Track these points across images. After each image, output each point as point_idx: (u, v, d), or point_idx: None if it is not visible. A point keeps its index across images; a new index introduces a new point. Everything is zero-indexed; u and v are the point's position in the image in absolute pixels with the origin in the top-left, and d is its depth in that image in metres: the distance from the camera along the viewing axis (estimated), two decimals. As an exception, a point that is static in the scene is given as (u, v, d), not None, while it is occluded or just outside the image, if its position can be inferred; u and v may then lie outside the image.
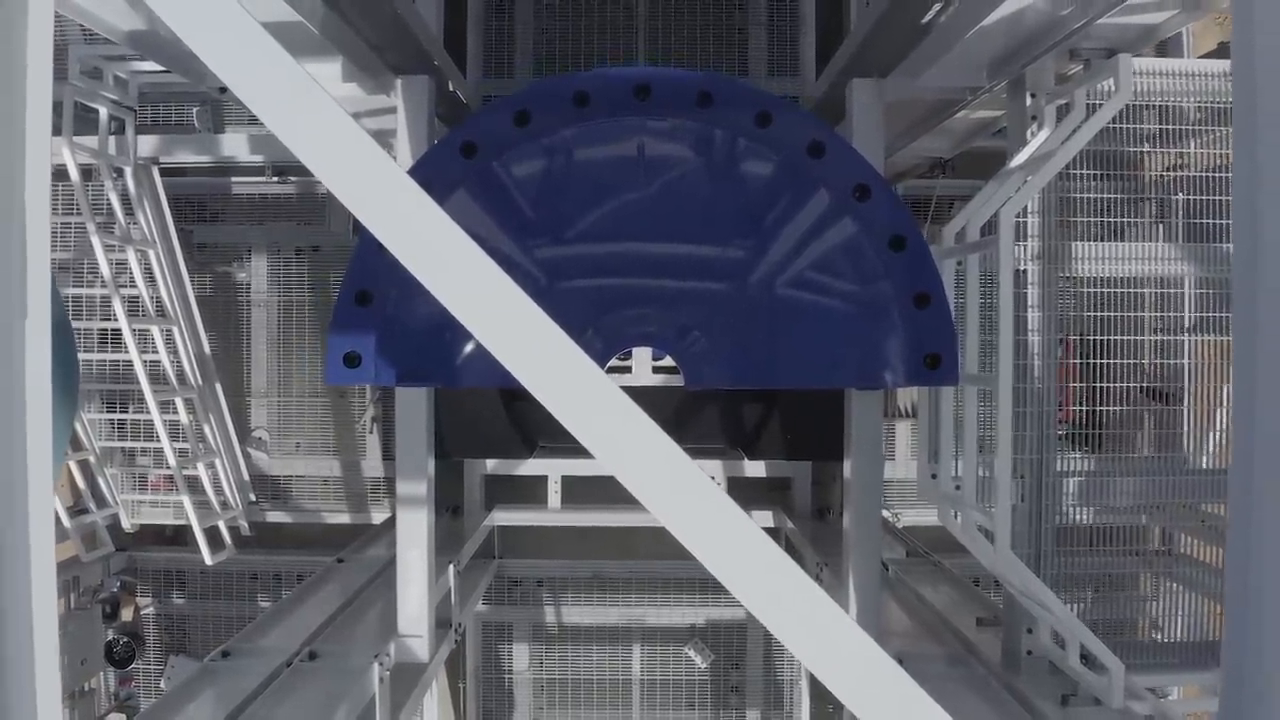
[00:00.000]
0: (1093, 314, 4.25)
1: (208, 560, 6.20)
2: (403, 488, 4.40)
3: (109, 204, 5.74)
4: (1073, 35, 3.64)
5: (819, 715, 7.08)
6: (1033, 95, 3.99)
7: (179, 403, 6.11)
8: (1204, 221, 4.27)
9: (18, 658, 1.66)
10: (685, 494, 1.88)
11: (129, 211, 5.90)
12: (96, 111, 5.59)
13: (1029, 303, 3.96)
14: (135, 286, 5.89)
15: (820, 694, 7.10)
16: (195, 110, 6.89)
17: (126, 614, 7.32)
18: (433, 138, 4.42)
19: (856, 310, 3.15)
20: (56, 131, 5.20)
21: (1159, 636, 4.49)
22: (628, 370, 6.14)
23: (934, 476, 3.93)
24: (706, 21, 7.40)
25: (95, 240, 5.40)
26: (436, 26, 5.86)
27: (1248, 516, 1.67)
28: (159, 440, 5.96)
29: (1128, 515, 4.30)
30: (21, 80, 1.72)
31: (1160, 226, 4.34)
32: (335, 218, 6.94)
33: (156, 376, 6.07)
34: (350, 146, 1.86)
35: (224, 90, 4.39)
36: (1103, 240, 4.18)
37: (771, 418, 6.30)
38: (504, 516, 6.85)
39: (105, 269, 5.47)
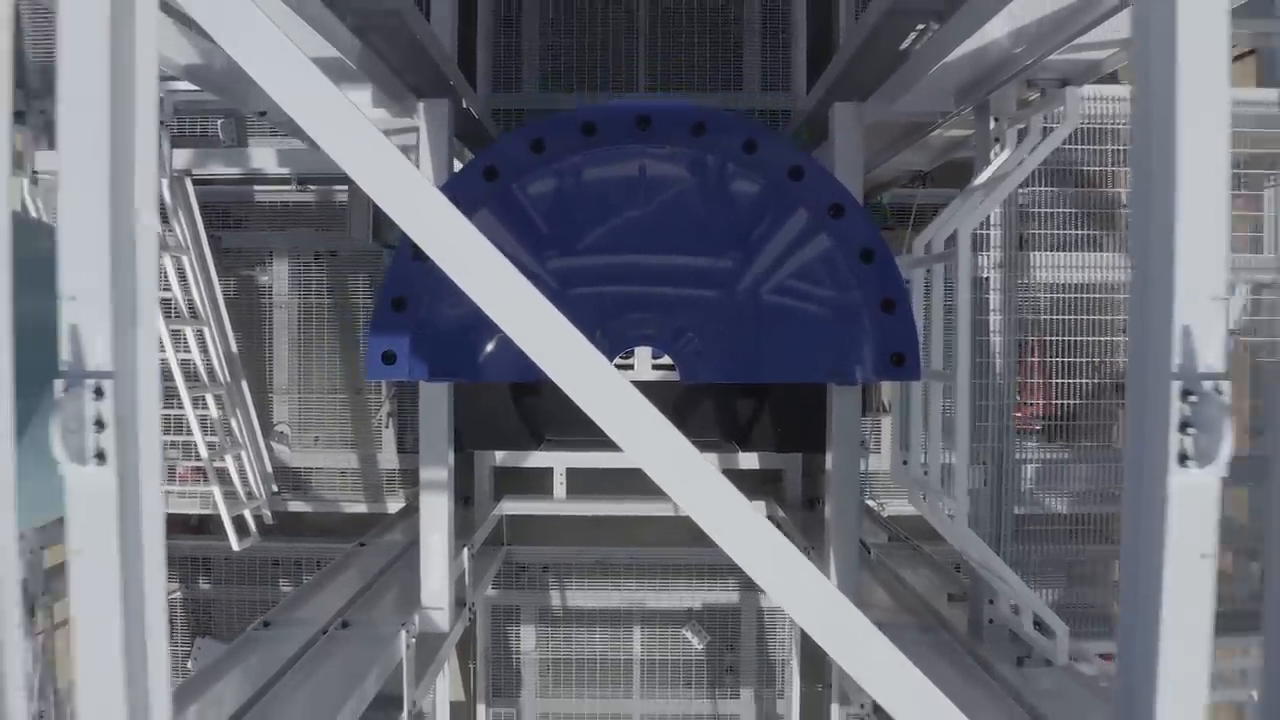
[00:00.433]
0: (1055, 317, 4.69)
1: (235, 546, 6.60)
2: (425, 474, 4.84)
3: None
4: (1029, 68, 4.06)
5: (808, 693, 7.51)
6: (995, 119, 4.40)
7: (209, 399, 6.53)
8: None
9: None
10: (684, 468, 2.33)
11: (164, 220, 6.33)
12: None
13: (990, 306, 4.39)
14: (170, 290, 6.32)
15: (809, 673, 7.53)
16: (220, 123, 7.32)
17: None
18: (452, 156, 4.85)
19: (831, 314, 3.59)
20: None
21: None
22: (630, 368, 6.56)
23: (905, 463, 4.36)
24: (704, 39, 7.84)
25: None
26: (451, 46, 6.30)
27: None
28: (189, 434, 6.38)
29: (1101, 504, 4.72)
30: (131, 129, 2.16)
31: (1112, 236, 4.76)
32: (356, 224, 7.37)
33: (188, 375, 6.50)
34: (396, 172, 2.29)
35: (263, 114, 4.83)
36: (1062, 250, 4.62)
37: (763, 412, 6.72)
38: (512, 506, 7.22)
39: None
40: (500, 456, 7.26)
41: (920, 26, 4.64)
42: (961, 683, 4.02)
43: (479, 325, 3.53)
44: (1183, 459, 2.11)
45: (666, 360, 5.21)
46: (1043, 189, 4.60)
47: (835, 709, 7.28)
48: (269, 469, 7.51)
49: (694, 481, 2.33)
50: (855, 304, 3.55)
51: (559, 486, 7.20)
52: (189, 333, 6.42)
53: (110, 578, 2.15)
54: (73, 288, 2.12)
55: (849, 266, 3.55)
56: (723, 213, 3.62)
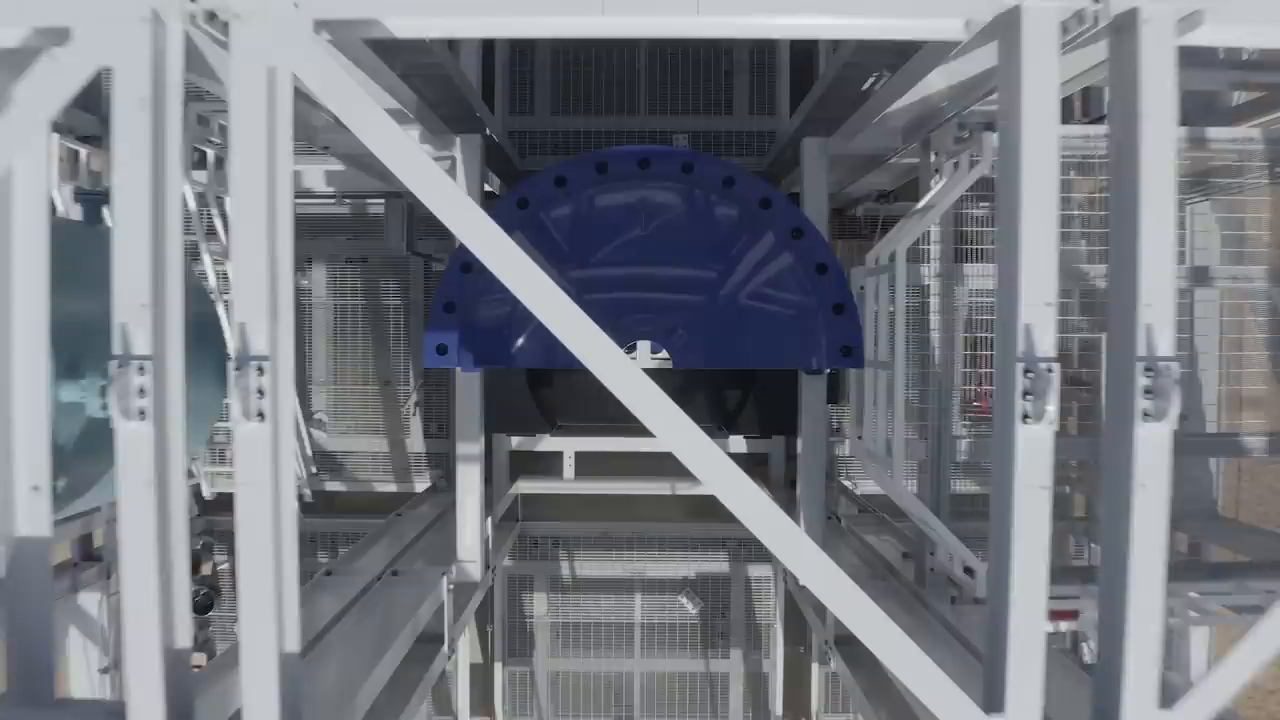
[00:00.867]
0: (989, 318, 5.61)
1: (282, 520, 7.48)
2: (461, 449, 5.75)
3: (212, 225, 7.07)
4: (960, 113, 4.95)
5: (790, 655, 8.43)
6: (935, 154, 5.30)
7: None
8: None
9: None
10: (678, 429, 3.22)
11: (228, 230, 7.22)
12: (204, 152, 6.92)
13: (931, 308, 5.30)
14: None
15: (791, 637, 8.45)
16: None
17: (205, 569, 8.63)
18: (484, 183, 5.76)
19: (794, 314, 4.51)
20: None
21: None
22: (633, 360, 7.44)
23: (860, 438, 5.27)
24: (699, 68, 8.76)
25: (205, 255, 6.72)
26: (476, 80, 7.21)
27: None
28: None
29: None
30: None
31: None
32: (392, 236, 8.26)
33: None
34: (464, 209, 3.18)
35: (326, 148, 5.74)
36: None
37: (748, 400, 7.63)
38: (526, 485, 7.89)
39: (212, 278, 6.80)
40: (515, 441, 7.99)
41: (876, 74, 5.57)
42: (905, 616, 4.93)
43: (511, 323, 4.48)
44: (1025, 418, 3.01)
45: (665, 354, 6.13)
46: (977, 210, 5.52)
47: (815, 668, 8.24)
48: (309, 452, 8.38)
49: (685, 438, 3.19)
50: (812, 307, 4.47)
51: (568, 468, 7.89)
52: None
53: (265, 504, 3.06)
54: (243, 311, 3.01)
55: (807, 278, 4.47)
56: (707, 234, 4.54)
